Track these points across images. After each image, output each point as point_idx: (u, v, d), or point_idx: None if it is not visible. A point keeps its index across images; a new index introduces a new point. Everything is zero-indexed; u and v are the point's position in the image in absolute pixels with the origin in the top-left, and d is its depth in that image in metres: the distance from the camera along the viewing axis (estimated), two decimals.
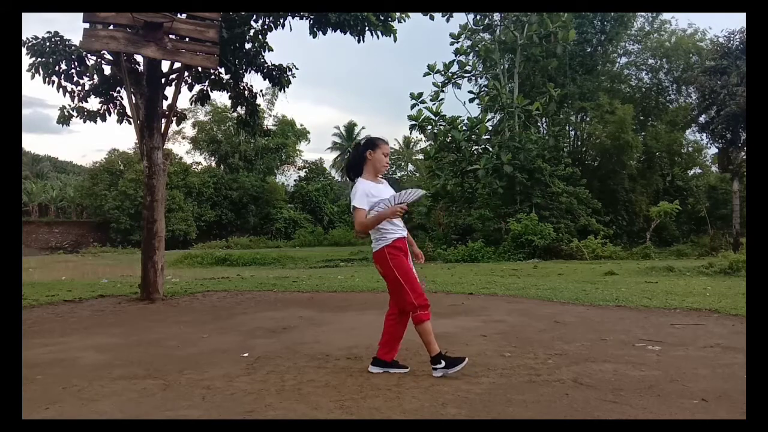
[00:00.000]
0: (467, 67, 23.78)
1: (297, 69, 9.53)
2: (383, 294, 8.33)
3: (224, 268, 18.90)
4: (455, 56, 23.46)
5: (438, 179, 22.91)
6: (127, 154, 38.64)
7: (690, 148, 29.57)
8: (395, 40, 8.89)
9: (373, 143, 3.93)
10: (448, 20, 23.07)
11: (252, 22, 8.86)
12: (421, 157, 44.91)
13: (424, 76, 23.19)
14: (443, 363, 3.68)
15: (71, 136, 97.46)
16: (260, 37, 9.05)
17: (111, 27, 7.14)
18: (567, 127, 27.87)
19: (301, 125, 46.77)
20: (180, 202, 36.78)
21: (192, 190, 38.79)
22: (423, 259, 4.10)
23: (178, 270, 16.91)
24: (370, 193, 3.77)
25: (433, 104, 22.97)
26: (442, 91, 23.24)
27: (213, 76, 9.26)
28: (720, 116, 22.87)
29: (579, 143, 28.90)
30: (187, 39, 7.56)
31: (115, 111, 8.92)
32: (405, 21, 9.03)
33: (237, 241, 35.32)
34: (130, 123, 8.52)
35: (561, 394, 3.32)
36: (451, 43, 23.48)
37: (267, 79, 9.48)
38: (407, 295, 3.72)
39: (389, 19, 8.66)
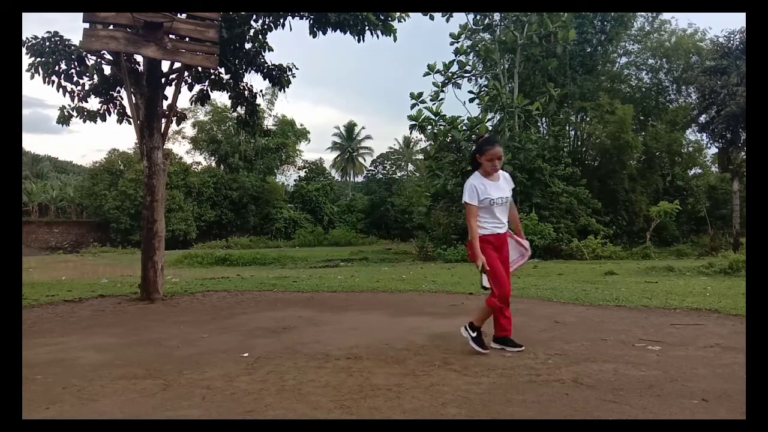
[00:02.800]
0: (467, 67, 23.77)
1: (297, 69, 9.52)
2: (384, 294, 8.41)
3: (224, 268, 18.91)
4: (455, 56, 23.45)
5: (438, 179, 22.89)
6: (127, 154, 38.69)
7: (690, 148, 29.55)
8: (395, 40, 8.88)
9: (480, 149, 4.35)
10: (448, 20, 23.07)
11: (252, 22, 8.85)
12: (421, 157, 44.91)
13: (424, 76, 23.19)
14: (475, 333, 4.30)
15: (71, 136, 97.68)
16: (260, 37, 9.05)
17: (111, 27, 7.13)
18: (567, 127, 27.87)
19: (301, 125, 46.93)
20: (180, 202, 36.80)
21: (192, 190, 38.81)
22: (527, 251, 4.62)
23: (178, 270, 16.90)
24: (476, 189, 4.27)
25: (433, 104, 22.98)
26: (442, 91, 23.22)
27: (213, 76, 9.25)
28: (720, 116, 22.87)
29: (579, 143, 28.90)
30: (187, 39, 7.55)
31: (115, 111, 8.91)
32: (405, 21, 9.03)
33: (237, 241, 35.38)
34: (130, 123, 8.52)
35: (561, 394, 3.32)
36: (451, 43, 23.50)
37: (267, 79, 9.47)
38: (492, 282, 4.23)
39: (389, 18, 8.65)
